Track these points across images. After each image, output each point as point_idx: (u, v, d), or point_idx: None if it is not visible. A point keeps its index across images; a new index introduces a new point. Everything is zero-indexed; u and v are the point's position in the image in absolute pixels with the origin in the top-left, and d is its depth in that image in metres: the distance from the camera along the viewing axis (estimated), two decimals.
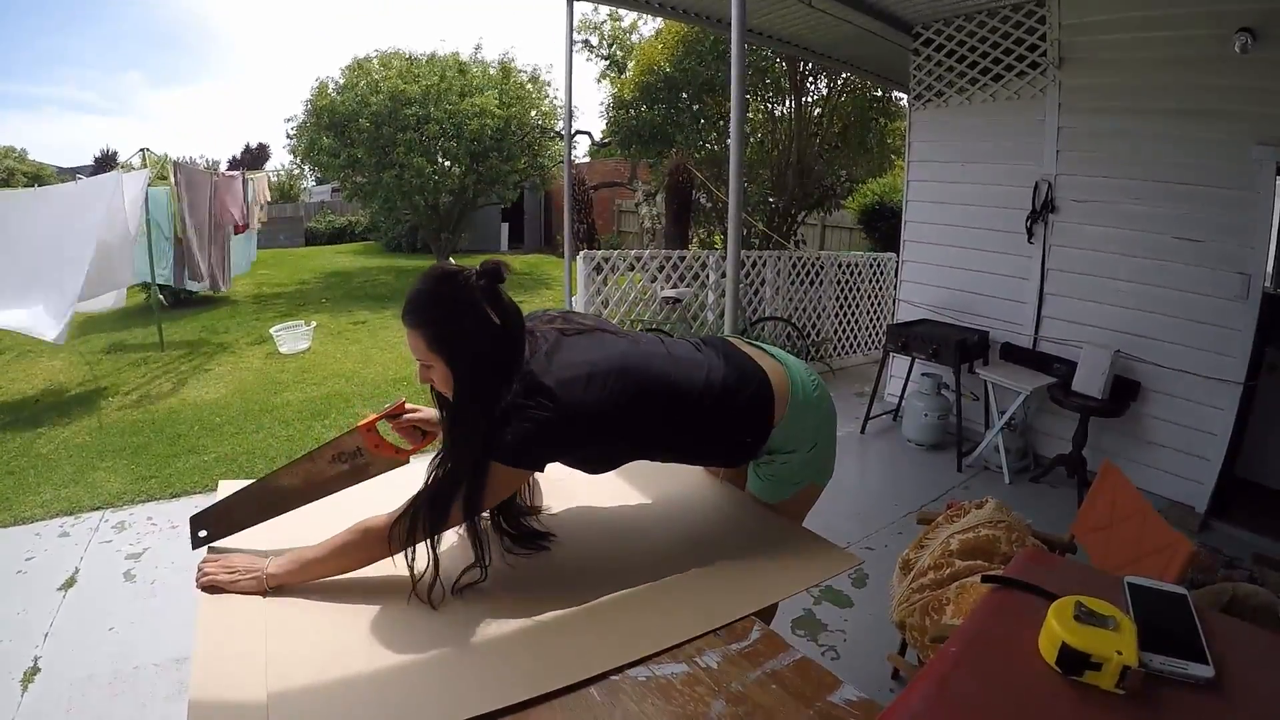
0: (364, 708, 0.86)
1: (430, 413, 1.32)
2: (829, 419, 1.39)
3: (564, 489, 1.44)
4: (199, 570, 1.12)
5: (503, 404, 1.09)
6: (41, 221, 4.54)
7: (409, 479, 1.21)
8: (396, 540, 1.09)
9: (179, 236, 5.98)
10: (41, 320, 4.32)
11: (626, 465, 1.34)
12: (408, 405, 1.33)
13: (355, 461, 1.27)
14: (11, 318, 4.38)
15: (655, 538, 1.29)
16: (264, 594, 1.08)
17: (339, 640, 0.98)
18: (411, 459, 1.32)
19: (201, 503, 3.02)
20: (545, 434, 1.09)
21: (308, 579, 1.11)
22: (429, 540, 1.10)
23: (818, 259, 5.73)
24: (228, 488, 1.34)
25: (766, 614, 1.22)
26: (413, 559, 1.10)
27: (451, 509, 1.10)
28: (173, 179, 5.91)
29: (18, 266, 4.43)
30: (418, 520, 1.09)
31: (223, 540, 1.23)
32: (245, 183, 7.02)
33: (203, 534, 1.22)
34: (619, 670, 0.92)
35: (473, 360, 1.09)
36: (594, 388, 1.13)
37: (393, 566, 1.13)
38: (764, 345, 1.43)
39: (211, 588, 1.09)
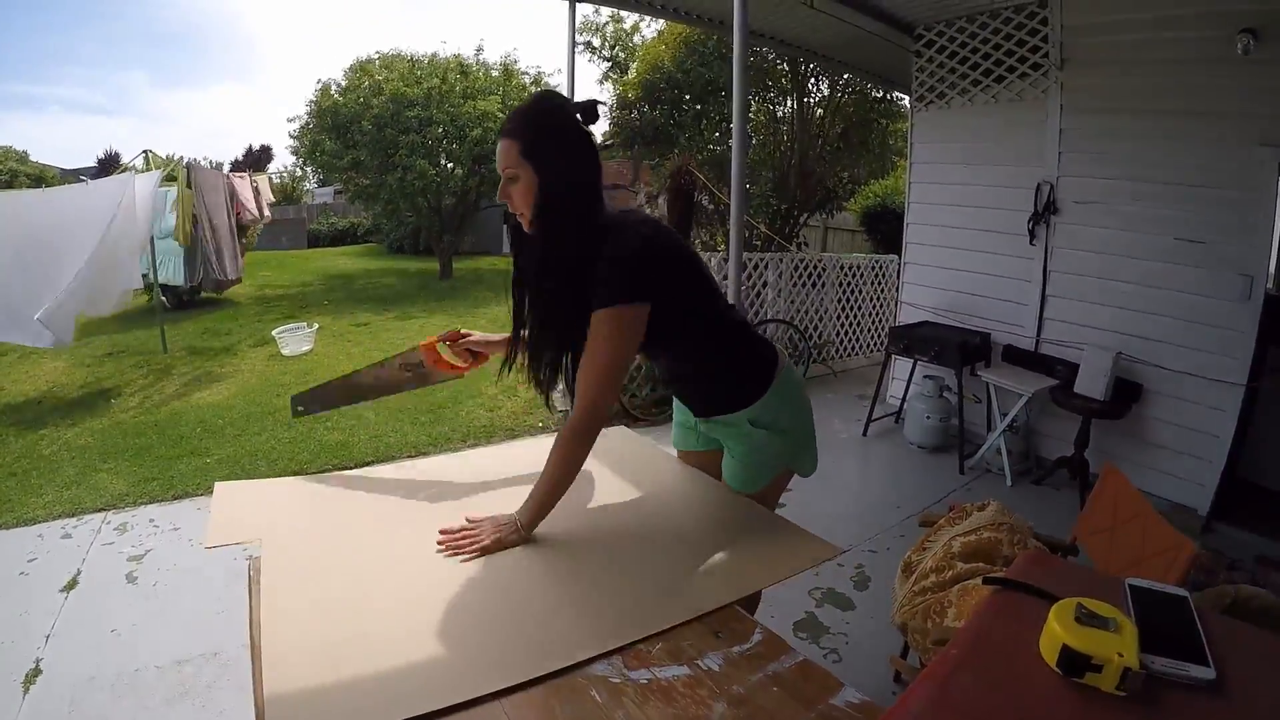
0: (358, 694, 0.85)
1: (480, 336, 1.54)
2: (806, 405, 1.48)
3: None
4: (455, 537, 1.19)
5: (583, 243, 1.20)
6: (49, 225, 4.45)
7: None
8: (591, 429, 1.22)
9: (203, 236, 6.03)
10: (44, 329, 4.30)
11: (602, 455, 1.47)
12: (462, 331, 1.55)
13: (419, 371, 1.56)
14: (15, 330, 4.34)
15: (634, 528, 1.31)
16: (523, 543, 1.20)
17: (329, 630, 0.97)
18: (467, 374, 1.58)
19: (204, 504, 3.05)
20: (649, 250, 1.20)
21: (550, 508, 1.22)
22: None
23: (819, 261, 5.72)
24: (223, 490, 1.37)
25: (750, 603, 1.24)
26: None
27: (600, 371, 1.19)
28: (184, 180, 5.96)
29: (21, 275, 4.36)
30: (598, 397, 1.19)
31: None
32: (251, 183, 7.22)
33: (300, 409, 1.56)
34: (613, 666, 0.92)
35: (557, 172, 1.19)
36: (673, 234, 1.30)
37: (380, 553, 1.16)
38: None
39: (481, 552, 1.16)
